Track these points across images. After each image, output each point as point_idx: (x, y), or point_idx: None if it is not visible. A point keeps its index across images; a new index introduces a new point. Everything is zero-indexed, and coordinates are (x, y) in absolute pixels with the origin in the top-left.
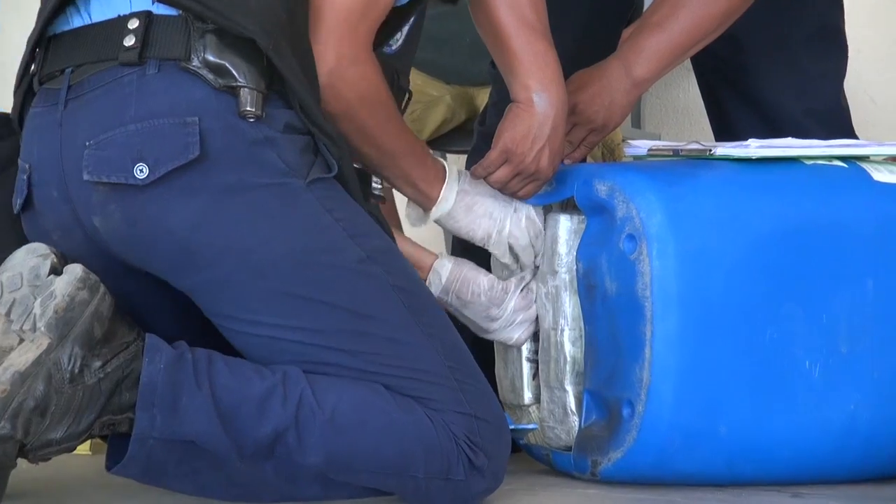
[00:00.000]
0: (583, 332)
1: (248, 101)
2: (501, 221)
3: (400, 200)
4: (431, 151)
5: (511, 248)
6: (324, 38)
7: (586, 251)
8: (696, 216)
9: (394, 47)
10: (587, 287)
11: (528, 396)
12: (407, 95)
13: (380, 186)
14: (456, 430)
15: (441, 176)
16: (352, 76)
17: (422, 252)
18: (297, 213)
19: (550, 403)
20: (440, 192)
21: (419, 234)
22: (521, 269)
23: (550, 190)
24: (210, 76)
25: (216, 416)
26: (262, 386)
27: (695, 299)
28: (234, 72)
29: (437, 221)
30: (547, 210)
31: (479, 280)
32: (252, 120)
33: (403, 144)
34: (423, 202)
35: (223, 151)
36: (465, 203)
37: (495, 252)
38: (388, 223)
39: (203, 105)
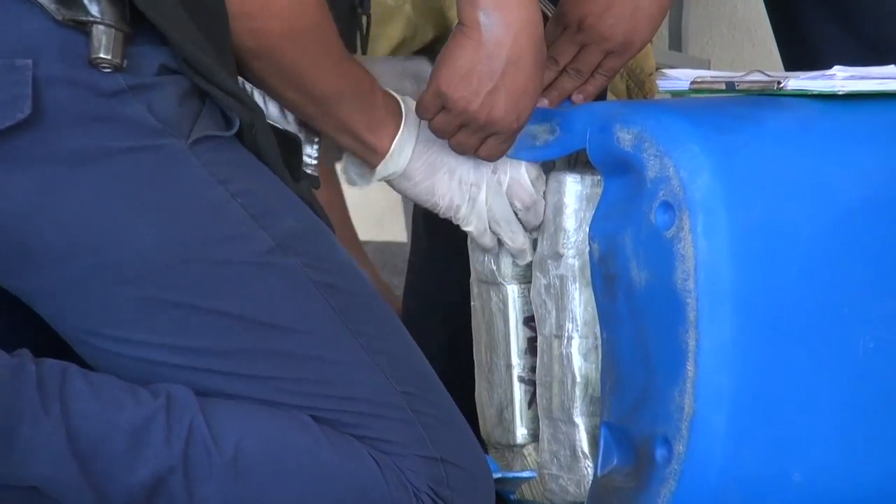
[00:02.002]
0: (599, 342)
1: (103, 44)
2: (475, 188)
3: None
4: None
5: (490, 226)
6: None
7: (603, 227)
8: (760, 176)
9: None
10: (605, 277)
11: (521, 433)
12: (365, 21)
13: (315, 161)
14: (415, 480)
15: (395, 120)
16: (280, 5)
17: None
18: (176, 188)
19: (553, 442)
20: (391, 142)
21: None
22: (512, 254)
23: (552, 139)
24: (51, 5)
25: (70, 453)
26: (138, 413)
27: (758, 293)
28: (83, 0)
29: (388, 182)
30: (548, 169)
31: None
32: (108, 70)
33: (342, 84)
34: (368, 156)
35: (66, 107)
36: (427, 159)
37: (469, 230)
38: (323, 209)
39: (39, 42)
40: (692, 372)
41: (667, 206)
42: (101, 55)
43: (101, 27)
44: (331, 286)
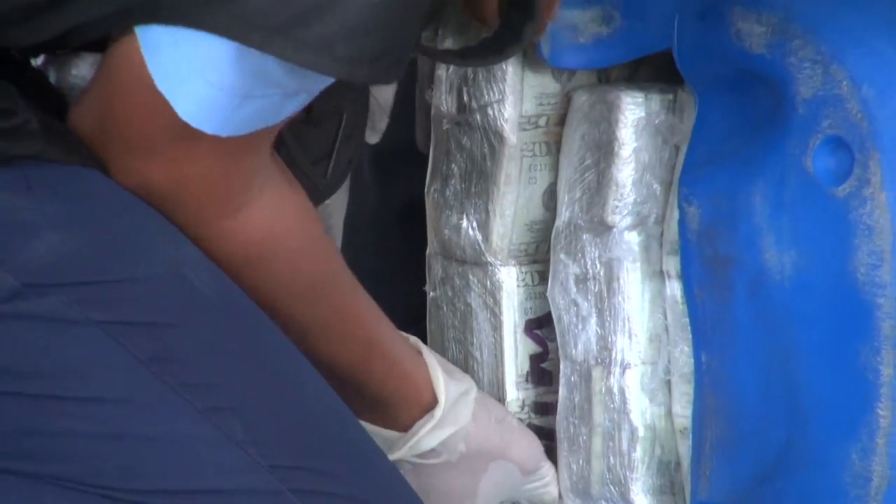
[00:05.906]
0: (682, 371)
1: None
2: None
3: None
4: None
5: None
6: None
7: (709, 178)
8: None
9: None
10: (709, 262)
11: None
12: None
13: None
14: None
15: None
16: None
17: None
18: None
19: None
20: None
21: None
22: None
23: (606, 33)
24: None
25: None
26: None
27: None
28: None
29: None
30: (589, 80)
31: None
32: None
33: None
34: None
35: None
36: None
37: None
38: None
39: None
40: (887, 419)
41: (837, 144)
42: None
43: None
44: (129, 324)
